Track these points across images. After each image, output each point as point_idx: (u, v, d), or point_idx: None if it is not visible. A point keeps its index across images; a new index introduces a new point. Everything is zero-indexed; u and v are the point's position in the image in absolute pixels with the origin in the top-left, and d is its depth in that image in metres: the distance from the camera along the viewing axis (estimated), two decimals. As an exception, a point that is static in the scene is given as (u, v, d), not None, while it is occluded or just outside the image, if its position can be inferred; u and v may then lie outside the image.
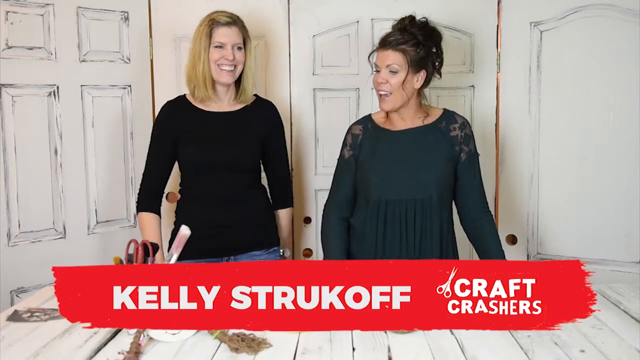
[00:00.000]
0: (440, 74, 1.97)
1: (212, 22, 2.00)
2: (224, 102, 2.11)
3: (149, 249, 1.44)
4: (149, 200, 2.12)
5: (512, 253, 2.58)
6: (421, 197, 1.88)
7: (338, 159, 2.04)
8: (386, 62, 1.88)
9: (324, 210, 2.05)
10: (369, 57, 2.00)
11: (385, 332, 1.44)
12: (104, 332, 1.47)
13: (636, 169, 2.35)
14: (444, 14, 2.54)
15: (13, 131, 2.24)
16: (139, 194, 2.15)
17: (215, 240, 2.05)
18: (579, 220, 2.46)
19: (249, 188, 2.12)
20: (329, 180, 2.58)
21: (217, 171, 2.05)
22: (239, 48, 2.03)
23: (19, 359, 1.32)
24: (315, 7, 2.59)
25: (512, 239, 2.58)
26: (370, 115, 2.04)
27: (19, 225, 2.28)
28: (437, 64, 1.93)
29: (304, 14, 2.60)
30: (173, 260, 1.51)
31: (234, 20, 2.03)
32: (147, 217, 2.09)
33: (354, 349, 1.35)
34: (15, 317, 1.58)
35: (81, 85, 2.40)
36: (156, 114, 2.57)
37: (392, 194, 1.90)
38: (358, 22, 2.61)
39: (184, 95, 2.15)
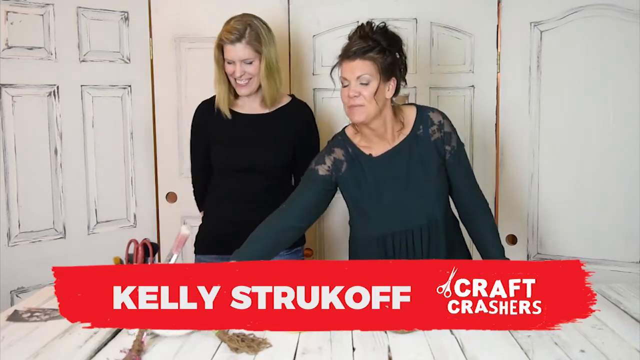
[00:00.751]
0: (405, 81, 1.81)
1: (221, 41, 2.00)
2: (255, 104, 2.10)
3: (149, 249, 1.43)
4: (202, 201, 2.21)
5: (512, 253, 2.57)
6: (427, 222, 1.78)
7: (308, 168, 1.87)
8: (355, 73, 1.70)
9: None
10: (331, 72, 1.79)
11: (385, 332, 1.43)
12: (104, 332, 1.47)
13: (636, 169, 2.35)
14: (444, 14, 2.55)
15: (13, 131, 2.24)
16: (195, 198, 2.24)
17: (241, 238, 2.02)
18: (579, 220, 2.46)
19: (276, 189, 2.10)
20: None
21: (241, 172, 2.06)
22: (249, 62, 1.99)
23: (19, 359, 1.32)
24: (315, 7, 2.59)
25: (512, 239, 2.58)
26: (345, 133, 1.86)
27: (19, 225, 2.28)
28: (402, 70, 1.78)
29: (304, 14, 2.60)
30: (173, 260, 1.51)
31: (239, 37, 1.97)
32: None
33: (354, 349, 1.35)
34: (15, 317, 1.58)
35: (81, 85, 2.40)
36: (157, 115, 2.57)
37: (395, 226, 1.79)
38: (358, 22, 2.60)
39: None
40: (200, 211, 2.24)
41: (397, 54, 1.75)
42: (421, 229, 1.78)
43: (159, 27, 2.58)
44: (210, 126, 2.10)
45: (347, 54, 1.72)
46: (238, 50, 1.98)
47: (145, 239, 1.52)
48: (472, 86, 2.58)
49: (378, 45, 1.71)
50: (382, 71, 1.71)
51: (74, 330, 1.49)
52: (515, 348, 1.34)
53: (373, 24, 1.75)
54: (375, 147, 1.81)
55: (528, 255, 2.56)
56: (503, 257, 1.86)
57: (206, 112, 2.12)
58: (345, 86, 1.74)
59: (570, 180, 2.47)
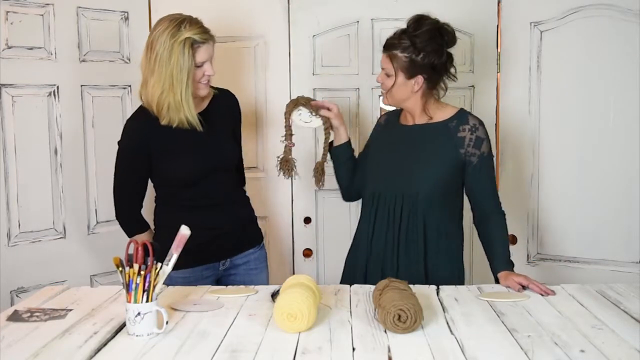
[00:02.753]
0: (454, 77, 1.94)
1: (195, 43, 1.86)
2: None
3: (149, 249, 1.43)
4: (138, 222, 2.06)
5: (512, 253, 2.57)
6: (408, 192, 1.89)
7: None
8: (382, 64, 1.93)
9: None
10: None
11: (385, 331, 1.44)
12: (104, 332, 1.47)
13: (636, 168, 2.35)
14: (444, 14, 2.52)
15: (13, 131, 2.24)
16: (121, 218, 2.07)
17: (213, 244, 2.02)
18: (579, 220, 2.46)
19: (237, 186, 2.12)
20: (329, 180, 2.58)
21: (209, 178, 1.99)
22: (212, 59, 1.93)
23: (19, 359, 1.32)
24: (315, 7, 2.60)
25: (512, 239, 2.58)
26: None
27: (19, 225, 2.28)
28: (439, 66, 1.88)
29: (304, 14, 2.60)
30: (173, 260, 1.51)
31: (211, 35, 1.91)
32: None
33: (354, 349, 1.35)
34: (15, 317, 1.58)
35: (81, 85, 2.40)
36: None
37: (382, 186, 1.95)
38: (358, 22, 2.61)
39: (143, 107, 1.97)
40: (134, 235, 2.04)
41: (433, 52, 1.85)
42: (403, 198, 1.90)
43: (159, 27, 2.57)
44: (152, 141, 1.94)
45: (384, 44, 1.92)
46: (210, 50, 1.91)
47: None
48: (472, 86, 2.58)
49: (409, 44, 1.85)
50: (402, 69, 1.87)
51: (74, 330, 1.49)
52: (515, 348, 1.34)
53: (422, 20, 1.88)
54: (407, 119, 1.99)
55: (528, 255, 2.57)
56: (508, 258, 1.86)
57: (145, 127, 1.94)
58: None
59: (570, 180, 2.47)
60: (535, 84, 2.50)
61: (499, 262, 1.86)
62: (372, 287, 1.71)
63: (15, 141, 2.25)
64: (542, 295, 1.70)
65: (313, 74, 2.63)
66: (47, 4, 2.29)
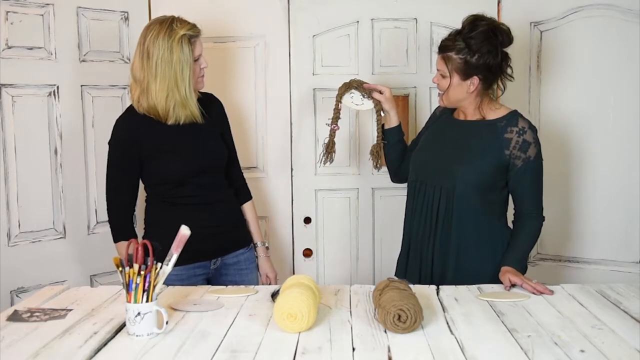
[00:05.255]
0: (510, 77, 1.93)
1: (191, 37, 1.92)
2: None
3: (149, 249, 1.43)
4: (125, 228, 2.02)
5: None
6: (446, 186, 1.91)
7: None
8: (438, 66, 1.95)
9: None
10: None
11: (385, 331, 1.44)
12: (104, 332, 1.47)
13: (636, 168, 2.35)
14: (444, 14, 2.55)
15: (13, 131, 2.24)
16: (111, 221, 2.04)
17: (204, 243, 2.00)
18: (579, 220, 2.46)
19: (226, 187, 2.12)
20: (329, 180, 2.59)
21: (199, 178, 2.01)
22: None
23: (19, 359, 1.32)
24: (315, 7, 2.60)
25: (512, 239, 2.58)
26: None
27: (19, 225, 2.28)
28: (494, 66, 1.88)
29: (304, 14, 2.60)
30: (173, 260, 1.51)
31: (199, 31, 1.96)
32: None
33: (354, 349, 1.35)
34: (15, 317, 1.58)
35: (81, 85, 2.40)
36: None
37: (424, 176, 1.99)
38: (358, 22, 2.61)
39: (133, 107, 2.00)
40: (118, 241, 2.03)
41: (488, 53, 1.86)
42: (441, 191, 1.93)
43: (159, 27, 2.58)
44: (145, 138, 1.96)
45: (439, 46, 1.95)
46: (201, 43, 1.98)
47: (145, 239, 1.52)
48: (472, 86, 2.57)
49: (465, 46, 1.87)
50: (457, 70, 1.89)
51: (74, 330, 1.49)
52: (515, 348, 1.34)
53: (478, 21, 1.89)
54: (459, 115, 2.02)
55: (528, 255, 2.56)
56: (520, 258, 1.86)
57: (134, 125, 1.97)
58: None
59: (570, 180, 2.47)
60: (535, 84, 2.50)
61: (509, 257, 1.87)
62: (372, 287, 1.71)
63: (15, 141, 2.24)
64: (534, 294, 1.70)
65: (313, 74, 2.63)
66: (47, 4, 2.29)
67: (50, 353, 1.36)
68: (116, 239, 2.04)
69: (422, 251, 1.99)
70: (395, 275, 2.08)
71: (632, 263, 2.39)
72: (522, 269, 1.86)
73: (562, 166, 2.48)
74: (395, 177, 2.24)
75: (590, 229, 2.45)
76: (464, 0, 2.55)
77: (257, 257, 2.19)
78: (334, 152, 2.17)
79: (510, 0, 2.51)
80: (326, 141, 2.17)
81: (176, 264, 1.92)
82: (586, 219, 2.45)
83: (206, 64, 2.00)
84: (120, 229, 2.04)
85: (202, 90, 2.08)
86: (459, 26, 2.52)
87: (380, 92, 2.10)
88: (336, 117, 2.15)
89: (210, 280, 2.10)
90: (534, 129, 1.90)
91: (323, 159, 2.18)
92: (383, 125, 2.15)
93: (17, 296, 2.27)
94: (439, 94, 1.98)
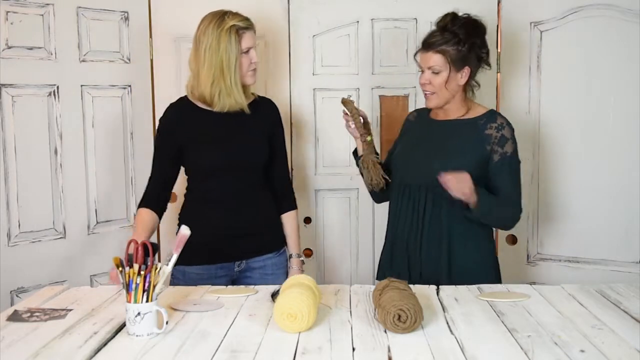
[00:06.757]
0: (489, 65, 2.01)
1: (240, 29, 1.97)
2: None
3: (149, 249, 1.43)
4: (149, 199, 2.04)
5: (512, 253, 2.58)
6: (432, 184, 1.89)
7: None
8: (428, 63, 1.94)
9: None
10: (414, 56, 2.03)
11: (385, 331, 1.44)
12: (104, 332, 1.47)
13: (636, 168, 2.35)
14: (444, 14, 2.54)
15: (13, 131, 2.24)
16: (141, 202, 2.05)
17: (229, 244, 2.04)
18: (579, 220, 2.46)
19: (262, 189, 2.12)
20: (329, 180, 2.59)
21: (233, 172, 2.03)
22: (254, 49, 2.04)
23: (19, 359, 1.32)
24: (315, 7, 2.60)
25: (512, 239, 2.58)
26: None
27: (19, 225, 2.28)
28: (483, 56, 1.97)
29: (304, 14, 2.60)
30: (173, 260, 1.51)
31: (251, 24, 2.02)
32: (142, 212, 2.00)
33: (354, 349, 1.35)
34: (15, 317, 1.58)
35: (81, 85, 2.40)
36: (157, 115, 2.57)
37: (409, 178, 1.99)
38: (358, 22, 2.61)
39: (186, 96, 2.09)
40: (139, 207, 2.04)
41: (475, 43, 1.93)
42: (427, 189, 1.94)
43: (159, 27, 2.58)
44: (186, 128, 2.02)
45: (424, 44, 1.96)
46: (254, 36, 2.03)
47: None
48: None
49: (454, 37, 1.91)
50: (453, 62, 1.92)
51: (74, 330, 1.49)
52: (515, 348, 1.34)
53: (457, 15, 1.95)
54: (439, 115, 2.04)
55: (528, 255, 2.57)
56: (481, 192, 1.86)
57: (178, 115, 2.05)
58: (421, 72, 1.98)
59: (570, 180, 2.47)
60: (535, 84, 2.50)
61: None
62: (372, 287, 1.71)
63: (15, 141, 2.25)
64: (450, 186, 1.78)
65: (313, 74, 2.63)
66: (47, 4, 2.29)
67: (50, 353, 1.36)
68: (139, 205, 2.03)
69: (410, 253, 1.99)
70: (377, 279, 2.09)
71: (632, 263, 2.39)
72: (476, 196, 1.84)
73: (562, 166, 2.48)
74: (378, 197, 2.21)
75: (590, 229, 2.44)
76: (464, 1, 2.55)
77: (290, 267, 2.17)
78: (381, 173, 2.05)
79: (510, 0, 2.51)
80: (364, 166, 2.07)
81: (198, 263, 2.01)
82: (586, 219, 2.45)
83: (257, 58, 2.03)
84: (145, 197, 2.04)
85: (261, 95, 2.16)
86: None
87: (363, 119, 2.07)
88: (366, 129, 2.08)
89: (234, 282, 2.08)
90: (511, 127, 1.96)
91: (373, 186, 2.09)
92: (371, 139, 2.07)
93: (17, 296, 2.27)
94: (426, 95, 1.99)
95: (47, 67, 2.31)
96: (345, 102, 2.07)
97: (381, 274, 2.08)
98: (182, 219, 2.07)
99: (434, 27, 1.98)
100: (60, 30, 2.33)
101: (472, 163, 1.91)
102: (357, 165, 2.13)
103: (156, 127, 2.12)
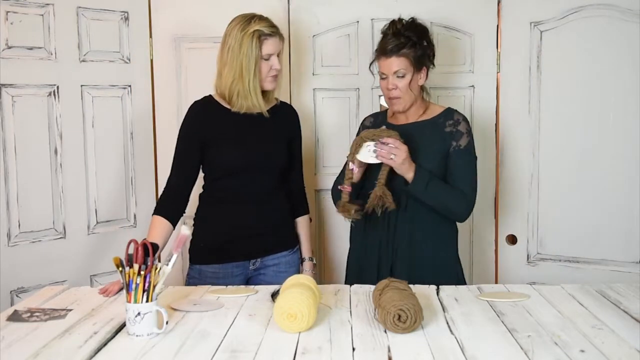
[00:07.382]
0: (434, 65, 2.08)
1: (262, 35, 1.99)
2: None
3: (149, 249, 1.43)
4: (165, 205, 2.02)
5: (512, 253, 2.58)
6: (401, 187, 1.96)
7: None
8: (392, 68, 1.98)
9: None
10: (370, 66, 2.10)
11: (385, 331, 1.44)
12: (104, 332, 1.47)
13: (636, 168, 2.35)
14: (444, 14, 2.54)
15: (13, 131, 2.24)
16: (160, 201, 2.06)
17: (246, 243, 2.06)
18: (579, 220, 2.46)
19: (278, 190, 2.14)
20: (329, 180, 2.58)
21: (250, 173, 2.05)
22: (278, 56, 2.05)
23: (19, 359, 1.32)
24: (315, 7, 2.60)
25: (512, 239, 2.58)
26: (387, 109, 2.18)
27: (19, 225, 2.28)
28: (430, 57, 2.05)
29: (304, 14, 2.60)
30: (173, 260, 1.51)
31: (277, 31, 2.04)
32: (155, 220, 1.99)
33: (354, 349, 1.35)
34: (15, 317, 1.58)
35: (81, 85, 2.40)
36: (157, 115, 2.56)
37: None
38: (358, 22, 2.61)
39: (211, 95, 2.11)
40: (154, 214, 2.00)
41: (426, 44, 2.01)
42: (400, 193, 1.97)
43: (159, 27, 2.58)
44: (209, 127, 2.05)
45: (384, 51, 1.99)
46: (277, 44, 2.04)
47: (145, 239, 1.52)
48: (472, 86, 2.58)
49: (410, 41, 1.98)
50: (414, 64, 1.99)
51: (74, 330, 1.49)
52: (515, 348, 1.34)
53: (403, 20, 2.02)
54: (399, 118, 2.09)
55: (528, 255, 2.56)
56: (425, 172, 1.93)
57: (202, 113, 2.07)
58: (383, 79, 2.02)
59: (570, 180, 2.47)
60: (535, 84, 2.50)
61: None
62: (372, 287, 1.71)
63: (15, 141, 2.25)
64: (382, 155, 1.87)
65: (313, 74, 2.63)
66: (47, 4, 2.29)
67: (50, 353, 1.36)
68: (155, 211, 2.01)
69: (381, 255, 2.03)
70: (346, 282, 2.10)
71: (632, 263, 2.39)
72: (416, 174, 1.91)
73: (562, 166, 2.47)
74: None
75: (590, 229, 2.44)
76: (464, 1, 2.56)
77: (303, 270, 2.19)
78: (354, 210, 1.97)
79: (510, 0, 2.51)
80: (339, 204, 2.01)
81: (215, 262, 2.04)
82: (586, 219, 2.45)
83: (279, 66, 2.04)
84: (162, 202, 2.04)
85: (282, 100, 2.19)
86: (459, 26, 2.55)
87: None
88: (349, 178, 2.00)
89: (248, 280, 2.10)
90: (467, 122, 2.06)
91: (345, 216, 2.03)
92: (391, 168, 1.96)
93: (17, 296, 2.27)
94: (391, 100, 2.02)
95: (47, 67, 2.31)
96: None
97: (352, 277, 2.10)
98: (198, 219, 2.11)
99: (380, 35, 2.04)
100: (60, 30, 2.33)
101: (441, 162, 1.99)
102: (334, 200, 2.11)
103: (178, 128, 2.10)
